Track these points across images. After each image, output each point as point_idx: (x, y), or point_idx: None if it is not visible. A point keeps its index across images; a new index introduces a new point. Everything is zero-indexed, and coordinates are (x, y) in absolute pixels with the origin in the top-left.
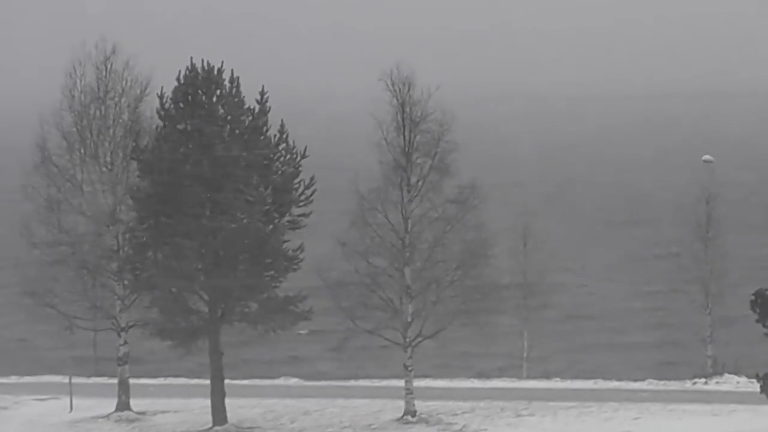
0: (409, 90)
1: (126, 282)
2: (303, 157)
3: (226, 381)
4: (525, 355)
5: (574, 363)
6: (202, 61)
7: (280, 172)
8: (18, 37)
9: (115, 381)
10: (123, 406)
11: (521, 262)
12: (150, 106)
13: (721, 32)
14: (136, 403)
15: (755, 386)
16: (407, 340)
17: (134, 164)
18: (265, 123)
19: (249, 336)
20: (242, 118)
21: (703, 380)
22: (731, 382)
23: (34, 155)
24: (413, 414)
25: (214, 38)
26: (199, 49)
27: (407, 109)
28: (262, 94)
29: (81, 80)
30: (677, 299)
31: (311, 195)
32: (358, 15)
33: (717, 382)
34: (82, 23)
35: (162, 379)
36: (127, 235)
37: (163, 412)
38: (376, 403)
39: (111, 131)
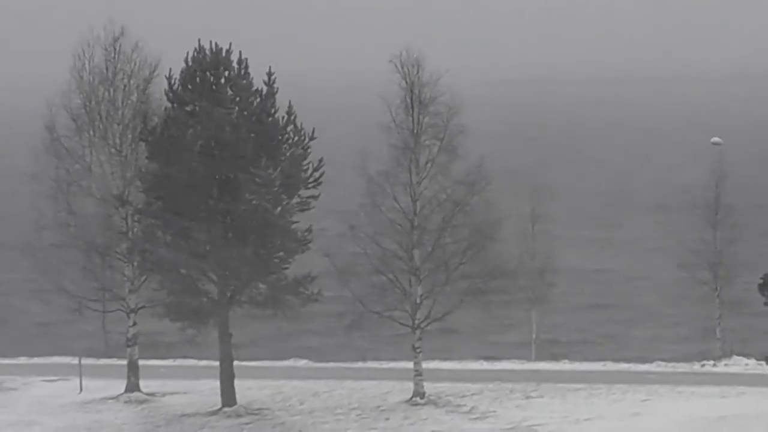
0: (418, 72)
1: (135, 263)
2: (311, 138)
3: (235, 363)
4: (534, 336)
5: (583, 345)
6: (211, 42)
7: (288, 153)
8: (25, 19)
9: (124, 362)
10: (132, 387)
11: (530, 244)
12: (159, 88)
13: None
14: (145, 385)
15: (764, 368)
16: (416, 322)
17: (143, 146)
18: (273, 104)
19: (259, 316)
20: (250, 99)
21: (712, 362)
22: (740, 365)
23: (42, 137)
24: (422, 396)
25: (223, 19)
26: (208, 29)
27: (416, 91)
28: (269, 75)
29: (90, 62)
30: (687, 282)
31: (320, 177)
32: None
33: (725, 365)
34: (91, 4)
35: (171, 360)
36: (136, 217)
37: (172, 393)
38: (385, 385)
39: (120, 113)
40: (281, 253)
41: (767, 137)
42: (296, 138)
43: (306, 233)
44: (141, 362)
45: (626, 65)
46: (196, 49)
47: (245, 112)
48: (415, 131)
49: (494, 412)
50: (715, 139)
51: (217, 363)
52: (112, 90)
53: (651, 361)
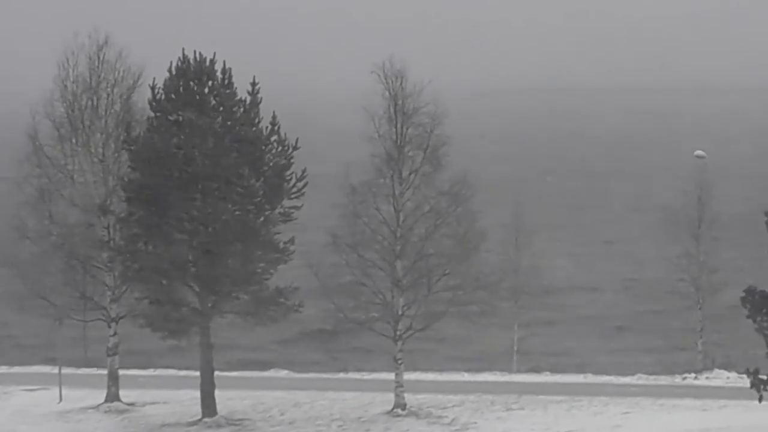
0: (401, 83)
1: (116, 273)
2: (294, 148)
3: (216, 372)
4: (515, 348)
5: (564, 357)
6: (194, 52)
7: (271, 163)
8: (8, 26)
9: (104, 372)
10: (112, 397)
11: (513, 256)
12: (142, 97)
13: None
14: (125, 394)
15: (745, 381)
16: (398, 333)
17: (126, 155)
18: (257, 114)
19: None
20: (234, 109)
21: (693, 375)
22: (721, 378)
23: (25, 145)
24: (403, 407)
25: (207, 29)
26: (192, 39)
27: (399, 102)
28: (253, 85)
29: (73, 70)
30: (668, 295)
31: (303, 187)
32: (353, 5)
33: (707, 378)
34: (75, 13)
35: (152, 370)
36: (118, 226)
37: (152, 403)
38: (366, 396)
39: (103, 122)
40: (263, 264)
41: (752, 149)
42: (279, 148)
43: (288, 244)
44: (121, 371)
45: (616, 75)
46: (180, 58)
47: (228, 122)
48: (399, 142)
49: (475, 423)
50: (699, 152)
51: (198, 373)
52: (95, 98)
53: (632, 374)
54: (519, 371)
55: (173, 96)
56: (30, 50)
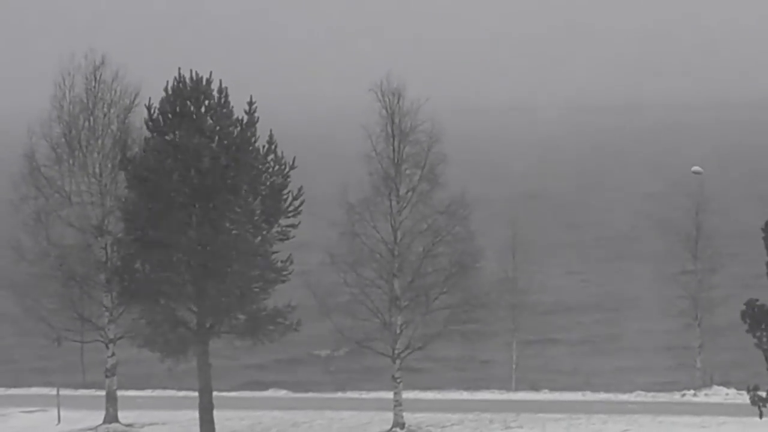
0: (398, 101)
1: (114, 293)
2: (291, 167)
3: (215, 393)
4: (514, 366)
5: (562, 374)
6: (191, 71)
7: (268, 183)
8: (5, 47)
9: (102, 393)
10: (111, 418)
11: (510, 274)
12: (139, 117)
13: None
14: (124, 416)
15: (745, 398)
16: (396, 351)
17: (122, 175)
18: (254, 134)
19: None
20: (231, 128)
21: (692, 392)
22: (720, 394)
23: (22, 166)
24: (402, 426)
25: (204, 49)
26: (189, 59)
27: (397, 120)
28: (250, 104)
29: (70, 90)
30: (667, 311)
31: (300, 206)
32: (350, 25)
33: (706, 394)
34: (72, 33)
35: (150, 390)
36: (115, 247)
37: (151, 424)
38: (365, 416)
39: (99, 142)
40: (261, 283)
41: (749, 164)
42: (277, 167)
43: (286, 263)
44: (120, 393)
45: (608, 92)
46: (176, 78)
47: (225, 142)
48: (396, 160)
49: None
50: (696, 168)
51: (196, 393)
52: (92, 119)
53: (631, 391)
54: (518, 389)
55: (169, 116)
56: (28, 70)
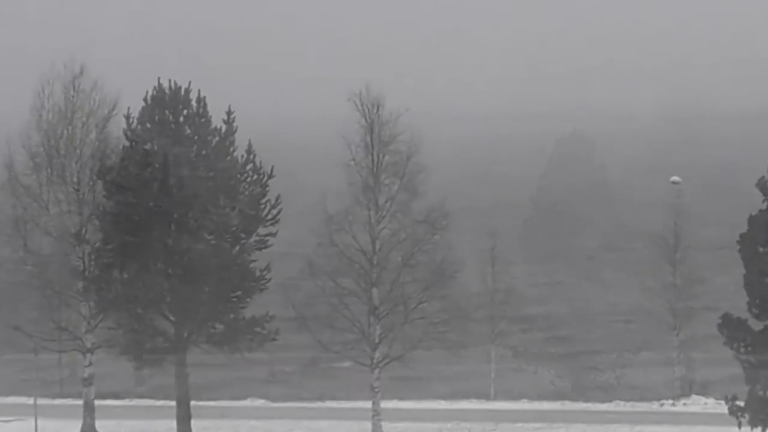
0: (378, 111)
1: (92, 302)
2: (270, 176)
3: (193, 402)
4: (492, 375)
5: (541, 384)
6: (170, 81)
7: (246, 192)
8: None
9: (80, 402)
10: (88, 428)
11: (489, 284)
12: (118, 127)
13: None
14: (101, 425)
15: (723, 408)
16: (375, 361)
17: (101, 184)
18: (232, 143)
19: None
20: (209, 138)
21: (671, 402)
22: (699, 404)
23: (1, 174)
24: None
25: (182, 58)
26: (168, 68)
27: (376, 130)
28: (228, 114)
29: (49, 100)
30: (645, 320)
31: (277, 215)
32: (331, 35)
33: (684, 404)
34: (53, 42)
35: (128, 400)
36: (93, 256)
37: None
38: (343, 426)
39: (78, 151)
40: (239, 293)
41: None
42: (255, 177)
43: (264, 272)
44: (97, 402)
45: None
46: (155, 87)
47: (203, 151)
48: (375, 170)
49: None
50: (674, 178)
51: (173, 403)
52: (71, 128)
53: (610, 401)
54: (496, 398)
55: (148, 125)
56: (7, 79)
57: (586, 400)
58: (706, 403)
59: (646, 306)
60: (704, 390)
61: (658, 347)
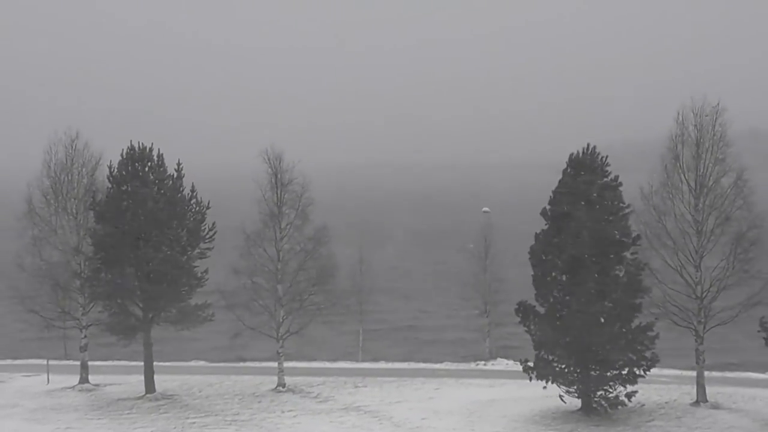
0: (280, 162)
1: (86, 294)
2: (207, 208)
3: (155, 363)
4: (360, 344)
5: (393, 350)
6: (138, 142)
7: (192, 218)
8: (9, 128)
9: (78, 363)
10: (84, 380)
11: (358, 281)
12: (103, 173)
13: None
14: (93, 378)
15: (518, 367)
16: (279, 334)
17: (92, 213)
18: (182, 185)
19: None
20: (166, 181)
21: (483, 363)
22: (502, 364)
23: (23, 208)
24: (283, 385)
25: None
26: (137, 131)
27: (279, 175)
28: (178, 164)
29: (54, 156)
30: (466, 307)
31: (213, 234)
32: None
33: (493, 364)
34: (54, 117)
35: (111, 361)
36: (87, 263)
37: (111, 384)
38: (258, 378)
39: (76, 191)
40: (187, 288)
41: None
42: (197, 208)
43: (204, 274)
44: (90, 362)
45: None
46: (128, 147)
47: (162, 191)
48: (278, 203)
49: (333, 397)
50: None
51: (142, 363)
52: (70, 174)
53: (441, 362)
54: (363, 360)
55: (124, 173)
56: (26, 144)
57: (425, 362)
58: (507, 364)
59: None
60: (506, 354)
61: (473, 325)
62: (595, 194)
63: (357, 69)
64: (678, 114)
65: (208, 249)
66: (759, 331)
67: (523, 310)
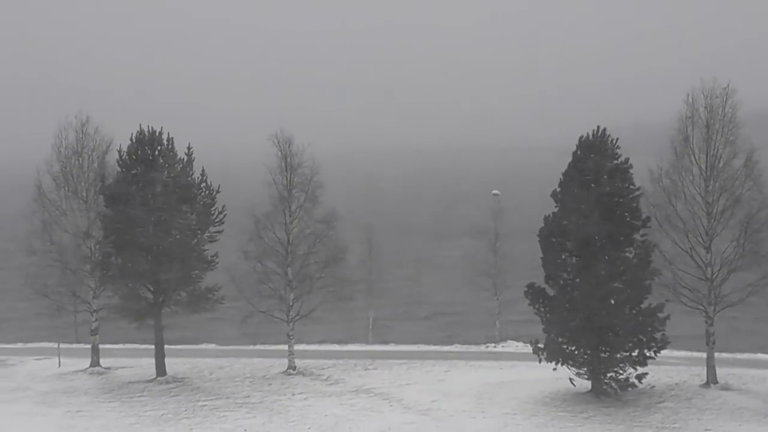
0: (289, 146)
1: (96, 278)
2: (217, 192)
3: (165, 346)
4: (370, 327)
5: (403, 333)
6: (148, 126)
7: (201, 202)
8: (20, 111)
9: (89, 346)
10: (94, 363)
11: (367, 264)
12: (113, 158)
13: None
14: (104, 362)
15: (529, 349)
16: (289, 317)
17: (102, 198)
18: (191, 168)
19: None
20: (175, 165)
21: (493, 345)
22: (512, 346)
23: (33, 192)
24: (294, 368)
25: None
26: (144, 116)
27: (288, 159)
28: (189, 148)
29: (65, 140)
30: (475, 289)
31: (223, 218)
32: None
33: (503, 346)
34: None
35: (122, 345)
36: (97, 246)
37: (122, 367)
38: (268, 361)
39: (86, 175)
40: (197, 271)
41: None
42: (207, 191)
43: (214, 257)
44: (101, 346)
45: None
46: (138, 130)
47: (172, 174)
48: (288, 187)
49: (343, 379)
50: (495, 191)
51: (153, 346)
52: (80, 159)
53: (451, 344)
54: (373, 343)
55: (134, 157)
56: (36, 127)
57: (435, 344)
58: (517, 345)
59: (475, 278)
60: (516, 336)
61: (483, 307)
62: (605, 176)
63: (368, 49)
64: (688, 96)
65: (218, 232)
66: (525, 291)
67: (533, 293)
